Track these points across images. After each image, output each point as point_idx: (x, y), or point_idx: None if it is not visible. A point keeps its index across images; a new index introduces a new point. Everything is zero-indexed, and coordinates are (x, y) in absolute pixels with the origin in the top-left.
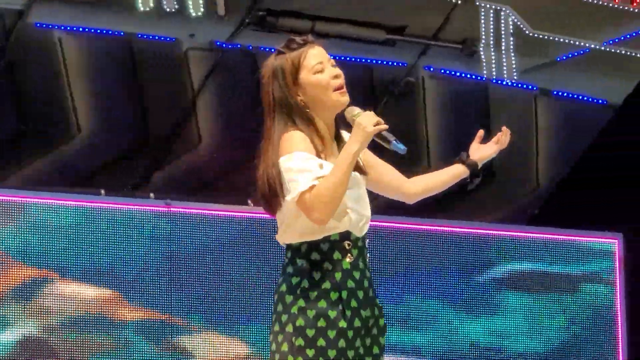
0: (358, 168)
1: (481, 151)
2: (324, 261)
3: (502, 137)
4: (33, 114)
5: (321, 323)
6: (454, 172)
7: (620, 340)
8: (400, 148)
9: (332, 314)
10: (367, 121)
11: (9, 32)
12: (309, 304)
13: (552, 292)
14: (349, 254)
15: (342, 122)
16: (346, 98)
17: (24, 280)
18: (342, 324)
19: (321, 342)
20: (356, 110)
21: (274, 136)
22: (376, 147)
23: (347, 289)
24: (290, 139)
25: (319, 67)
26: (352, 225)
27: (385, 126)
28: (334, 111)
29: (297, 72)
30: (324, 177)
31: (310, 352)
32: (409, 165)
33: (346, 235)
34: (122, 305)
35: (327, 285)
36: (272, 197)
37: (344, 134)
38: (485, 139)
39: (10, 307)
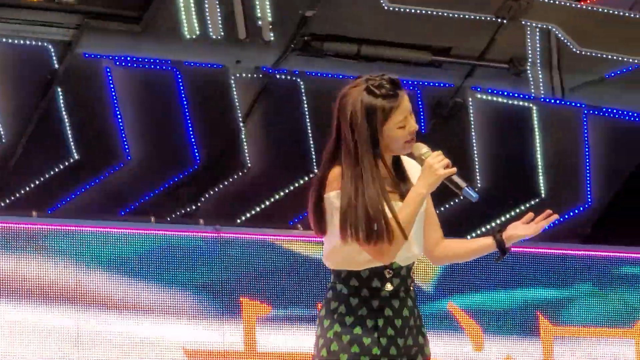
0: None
1: (518, 229)
2: (363, 288)
3: (546, 220)
4: (82, 143)
5: (355, 349)
6: (483, 245)
7: None
8: (473, 196)
9: (367, 340)
10: (438, 164)
11: (59, 63)
12: (345, 329)
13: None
14: (388, 282)
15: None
16: (410, 150)
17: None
18: (376, 351)
19: None
20: (424, 148)
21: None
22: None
23: (383, 317)
24: (339, 176)
25: (402, 123)
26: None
27: (455, 169)
28: (396, 154)
29: (385, 121)
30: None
31: None
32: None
33: (388, 264)
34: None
35: (363, 312)
36: (320, 220)
37: (404, 160)
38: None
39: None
